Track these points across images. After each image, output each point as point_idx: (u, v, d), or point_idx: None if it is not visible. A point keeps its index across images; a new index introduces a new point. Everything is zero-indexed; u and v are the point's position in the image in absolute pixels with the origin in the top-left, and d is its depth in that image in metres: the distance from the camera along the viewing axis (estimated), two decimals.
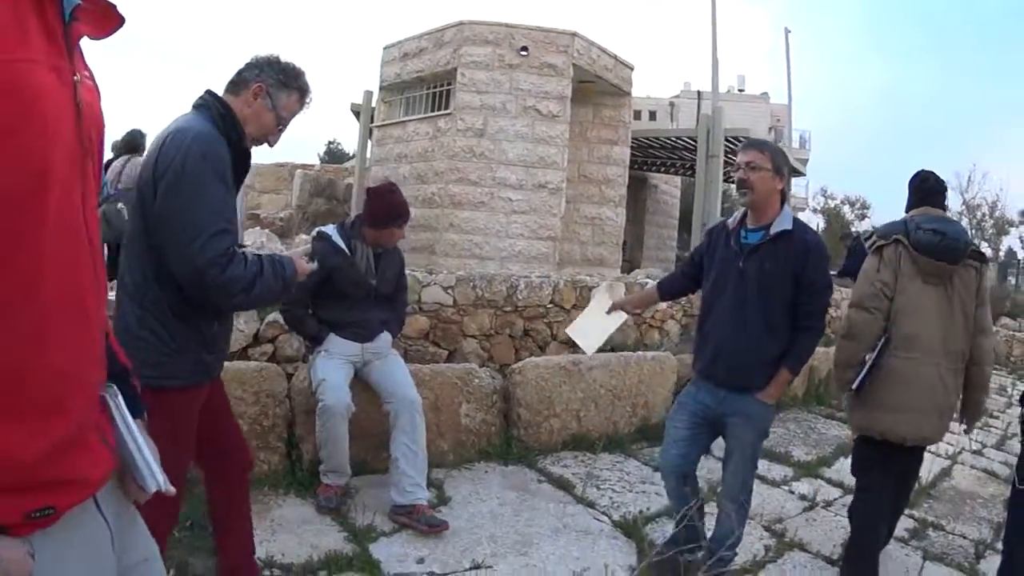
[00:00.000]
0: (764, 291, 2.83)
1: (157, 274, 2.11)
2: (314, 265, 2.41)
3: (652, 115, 41.73)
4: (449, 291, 5.35)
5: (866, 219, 37.02)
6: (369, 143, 15.28)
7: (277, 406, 3.74)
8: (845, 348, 3.19)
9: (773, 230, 2.85)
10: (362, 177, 15.53)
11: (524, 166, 11.85)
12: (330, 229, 3.71)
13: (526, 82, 11.92)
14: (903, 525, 3.92)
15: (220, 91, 2.29)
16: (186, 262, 2.02)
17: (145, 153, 2.15)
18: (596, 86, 13.11)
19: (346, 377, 3.58)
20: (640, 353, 5.16)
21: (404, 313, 4.08)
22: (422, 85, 13.21)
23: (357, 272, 3.61)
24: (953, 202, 34.38)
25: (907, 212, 3.37)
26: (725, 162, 13.23)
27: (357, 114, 16.62)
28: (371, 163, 14.61)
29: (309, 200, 17.37)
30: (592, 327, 3.42)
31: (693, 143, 14.04)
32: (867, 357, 3.07)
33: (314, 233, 3.76)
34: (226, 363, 3.88)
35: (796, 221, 2.90)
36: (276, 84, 2.29)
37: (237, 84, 2.28)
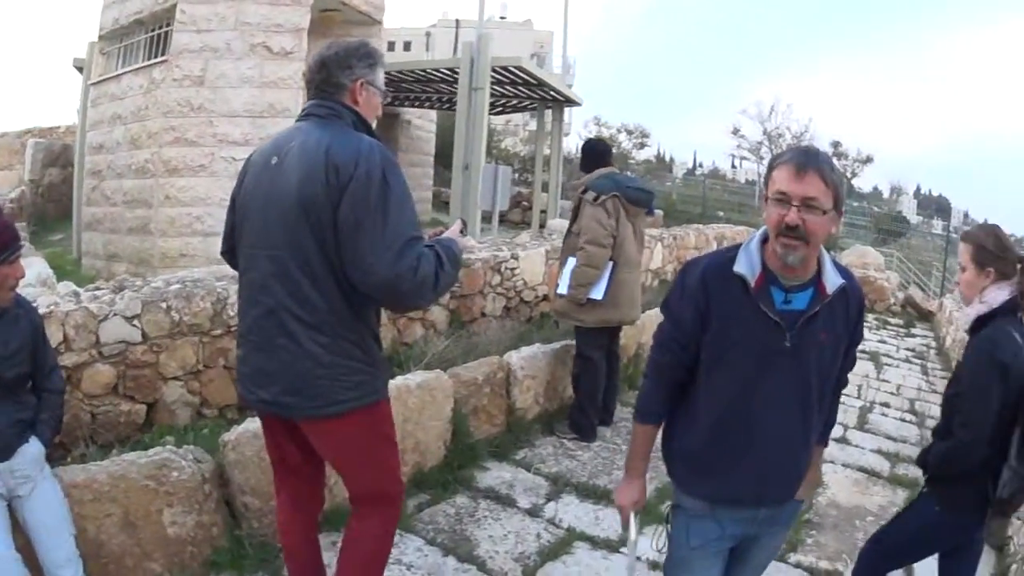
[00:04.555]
0: (823, 373, 1.95)
1: (342, 294, 2.06)
2: (472, 242, 2.09)
3: (407, 46, 40.18)
4: (136, 322, 3.94)
5: (645, 148, 38.15)
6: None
7: None
8: (590, 274, 4.58)
9: (829, 288, 1.90)
10: (82, 146, 12.92)
11: (251, 117, 10.11)
12: None
13: (255, 14, 10.10)
14: None
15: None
16: (382, 272, 1.98)
17: (291, 170, 2.04)
18: (342, 14, 11.56)
19: (6, 529, 2.41)
20: (403, 380, 3.99)
21: (60, 404, 2.77)
22: (141, 29, 10.95)
23: None
24: (753, 131, 36.26)
25: (587, 171, 4.81)
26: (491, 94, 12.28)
27: (81, 70, 13.96)
28: (88, 128, 12.19)
29: (42, 172, 14.74)
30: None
31: (453, 75, 12.89)
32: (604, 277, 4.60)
33: None
34: None
35: (839, 266, 1.98)
36: (368, 69, 2.22)
37: (334, 91, 2.18)
